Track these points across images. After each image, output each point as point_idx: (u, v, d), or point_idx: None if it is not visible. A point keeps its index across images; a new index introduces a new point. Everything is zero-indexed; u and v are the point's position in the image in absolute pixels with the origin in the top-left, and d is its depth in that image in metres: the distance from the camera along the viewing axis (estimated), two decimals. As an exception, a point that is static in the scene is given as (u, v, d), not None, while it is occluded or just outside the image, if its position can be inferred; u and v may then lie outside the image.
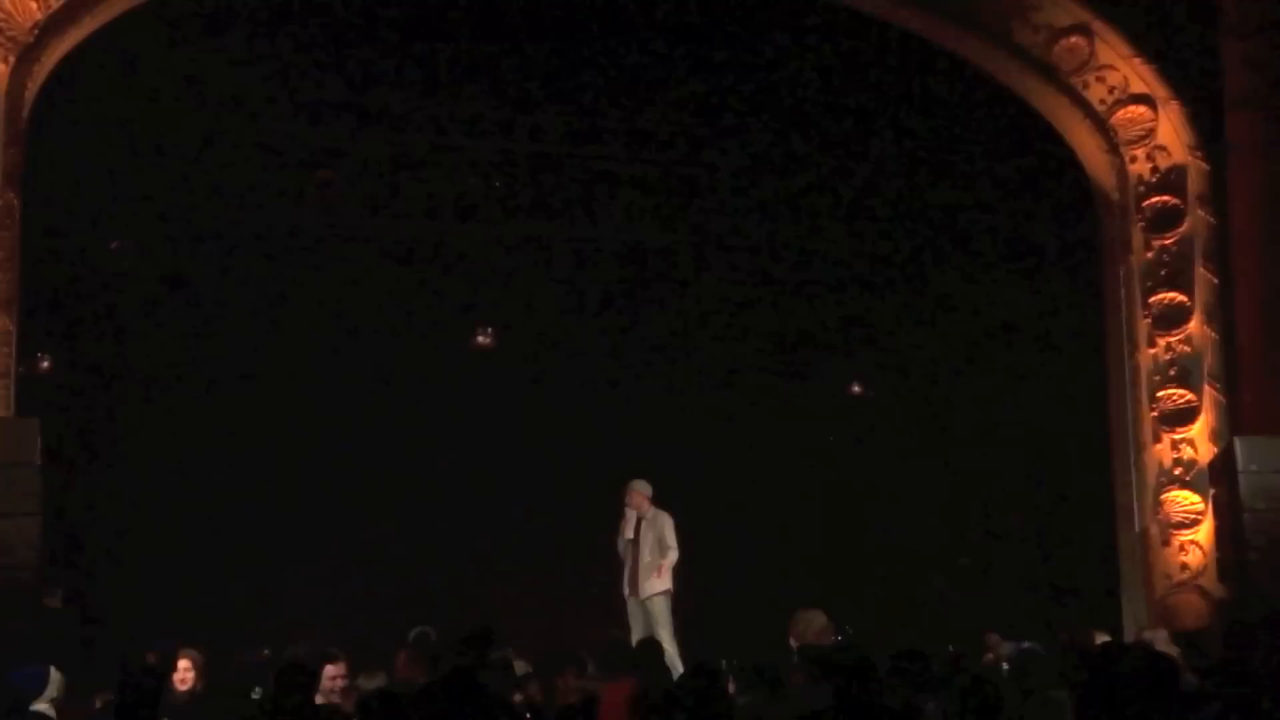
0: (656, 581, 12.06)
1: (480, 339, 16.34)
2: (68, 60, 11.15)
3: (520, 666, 9.96)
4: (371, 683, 9.54)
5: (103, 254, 14.10)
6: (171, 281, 14.68)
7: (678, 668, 11.30)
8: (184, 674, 10.52)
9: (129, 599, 13.85)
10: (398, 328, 15.78)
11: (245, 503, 15.25)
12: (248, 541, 15.17)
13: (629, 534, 12.25)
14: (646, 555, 12.12)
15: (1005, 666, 9.24)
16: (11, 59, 10.60)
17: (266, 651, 11.22)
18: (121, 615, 13.14)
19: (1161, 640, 9.45)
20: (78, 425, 13.91)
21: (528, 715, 8.46)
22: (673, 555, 12.06)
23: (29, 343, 11.35)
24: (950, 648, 10.58)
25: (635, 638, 11.62)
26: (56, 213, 12.47)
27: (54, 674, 7.99)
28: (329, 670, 9.28)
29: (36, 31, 10.69)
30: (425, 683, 7.05)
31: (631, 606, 12.23)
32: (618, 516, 12.41)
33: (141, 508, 14.84)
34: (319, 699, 8.34)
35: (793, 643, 9.16)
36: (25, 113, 10.79)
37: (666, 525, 12.24)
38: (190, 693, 10.30)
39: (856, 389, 18.43)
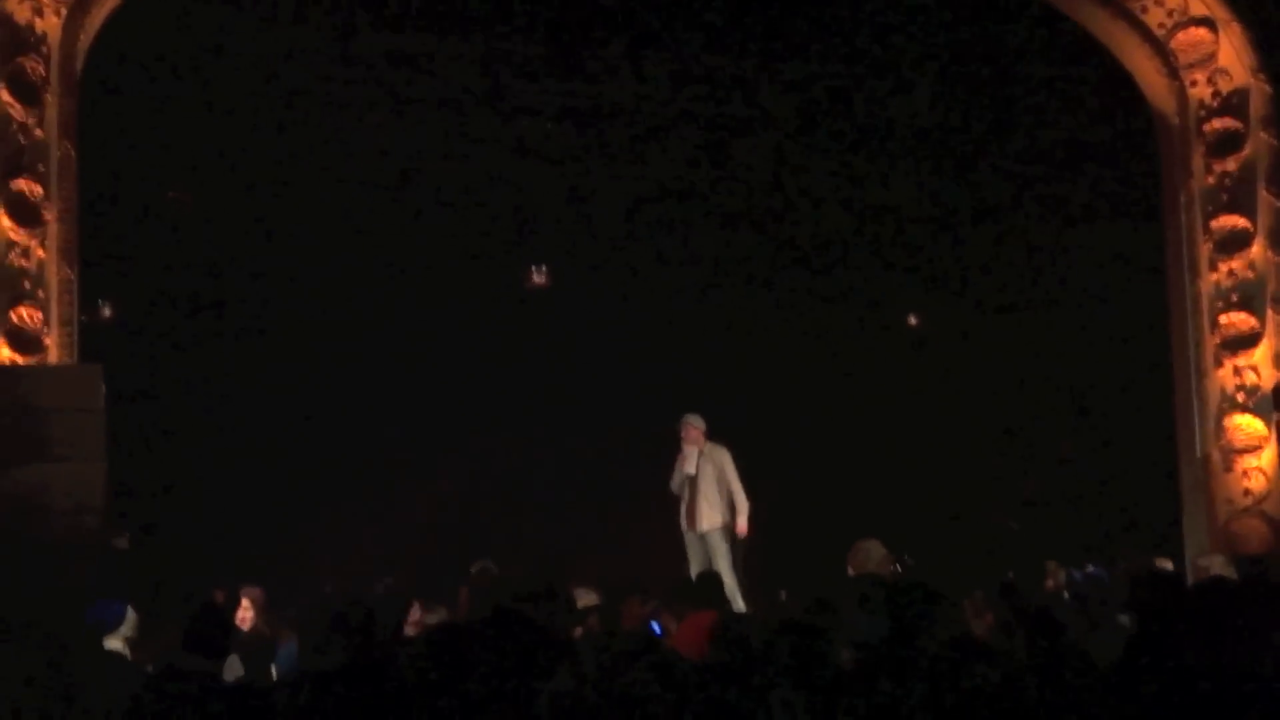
0: (715, 515, 12.11)
1: (536, 277, 16.39)
2: (121, 10, 11.20)
3: (589, 598, 9.99)
4: (433, 618, 9.66)
5: (160, 204, 14.20)
6: (229, 226, 14.77)
7: (738, 601, 11.42)
8: (244, 613, 10.73)
9: (195, 539, 14.05)
10: (456, 264, 15.84)
11: (307, 441, 15.41)
12: (310, 480, 15.34)
13: (689, 469, 12.27)
14: (705, 489, 12.16)
15: (1066, 594, 9.23)
16: (64, 10, 10.68)
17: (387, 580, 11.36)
18: (187, 556, 13.32)
19: (1218, 565, 9.38)
20: (141, 371, 14.06)
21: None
22: (745, 503, 12.08)
23: (90, 291, 11.47)
24: (1010, 574, 10.58)
25: (693, 571, 11.72)
26: (112, 163, 12.56)
27: (130, 612, 8.16)
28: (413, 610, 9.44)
29: (88, -17, 10.78)
30: (478, 619, 7.10)
31: (690, 540, 12.28)
32: (674, 449, 12.43)
33: (204, 449, 15.03)
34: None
35: (851, 573, 9.17)
36: (79, 64, 10.89)
37: (726, 461, 12.28)
38: (252, 631, 10.49)
39: (913, 320, 18.34)
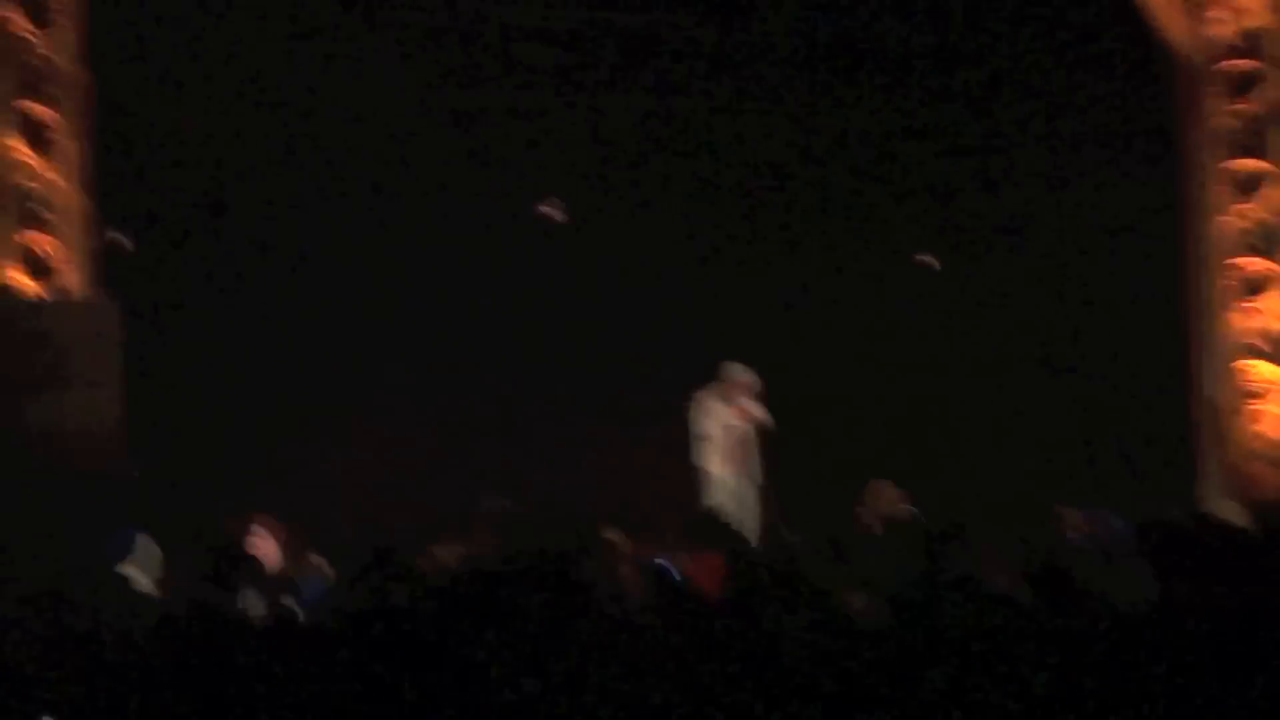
0: None
1: (549, 208, 16.31)
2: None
3: (621, 541, 9.98)
4: (447, 552, 9.70)
5: (178, 131, 14.12)
6: (245, 156, 14.69)
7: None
8: (262, 542, 10.77)
9: (212, 469, 14.07)
10: (467, 196, 15.78)
11: (326, 376, 15.39)
12: (329, 413, 15.34)
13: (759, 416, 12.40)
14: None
15: (1081, 541, 9.27)
16: (78, -68, 10.58)
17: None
18: (204, 485, 13.36)
19: (1230, 512, 9.46)
20: (158, 300, 14.04)
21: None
22: None
23: (109, 220, 11.44)
24: (1022, 522, 10.61)
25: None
26: (130, 92, 12.47)
27: (154, 550, 8.20)
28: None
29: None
30: (508, 559, 7.13)
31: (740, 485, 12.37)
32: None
33: (220, 379, 15.01)
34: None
35: (862, 515, 9.25)
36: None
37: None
38: (270, 562, 10.52)
39: (924, 258, 18.26)
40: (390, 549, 7.19)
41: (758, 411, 12.33)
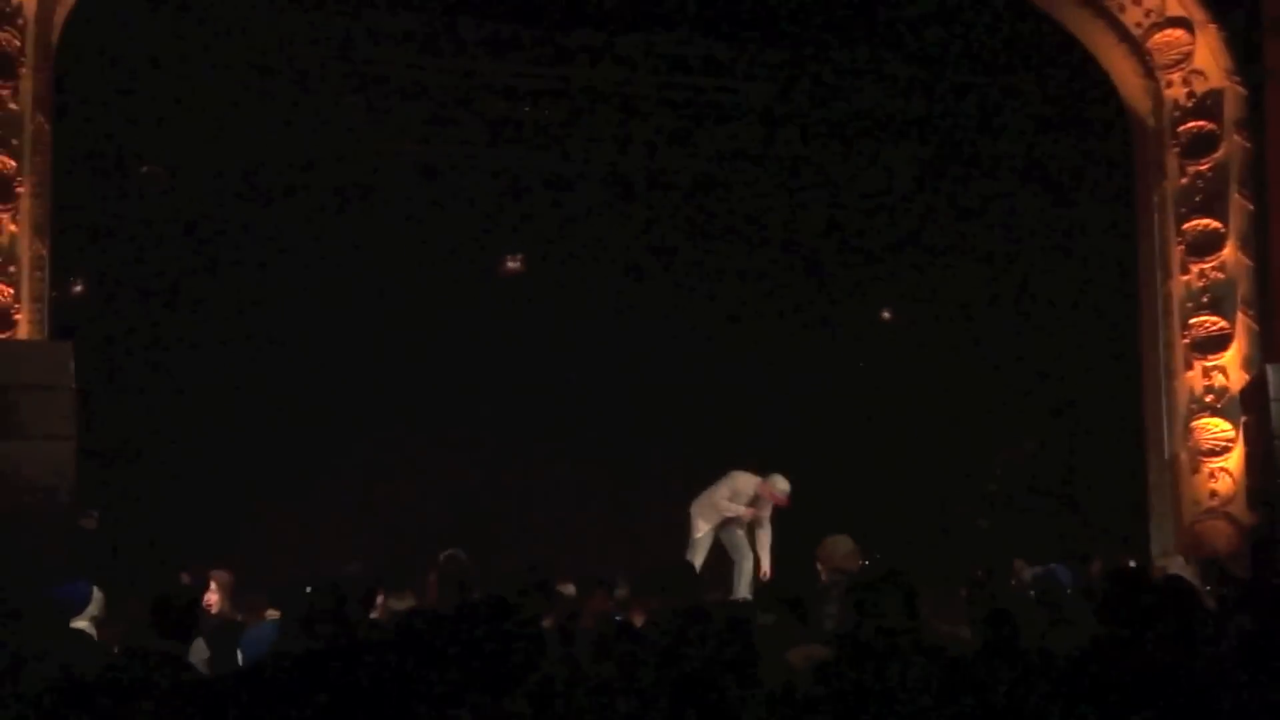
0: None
1: (510, 264, 16.35)
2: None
3: (565, 589, 10.01)
4: (401, 604, 9.62)
5: (134, 179, 14.11)
6: (200, 205, 14.69)
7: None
8: (211, 595, 10.67)
9: (163, 521, 13.98)
10: (425, 251, 15.80)
11: (279, 425, 15.35)
12: (279, 464, 15.28)
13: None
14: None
15: (1031, 592, 9.27)
16: (41, -18, 10.59)
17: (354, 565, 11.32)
18: (155, 537, 13.27)
19: (1177, 566, 9.48)
20: (111, 348, 13.99)
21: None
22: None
23: (62, 267, 11.40)
24: (977, 572, 10.63)
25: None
26: (87, 138, 12.47)
27: (95, 592, 8.11)
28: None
29: (65, -46, 10.69)
30: (459, 605, 7.09)
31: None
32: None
33: (173, 430, 14.95)
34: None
35: (820, 568, 9.21)
36: (55, 37, 10.80)
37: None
38: (219, 614, 10.44)
39: (886, 315, 18.38)
40: (341, 598, 7.13)
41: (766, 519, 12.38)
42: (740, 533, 12.42)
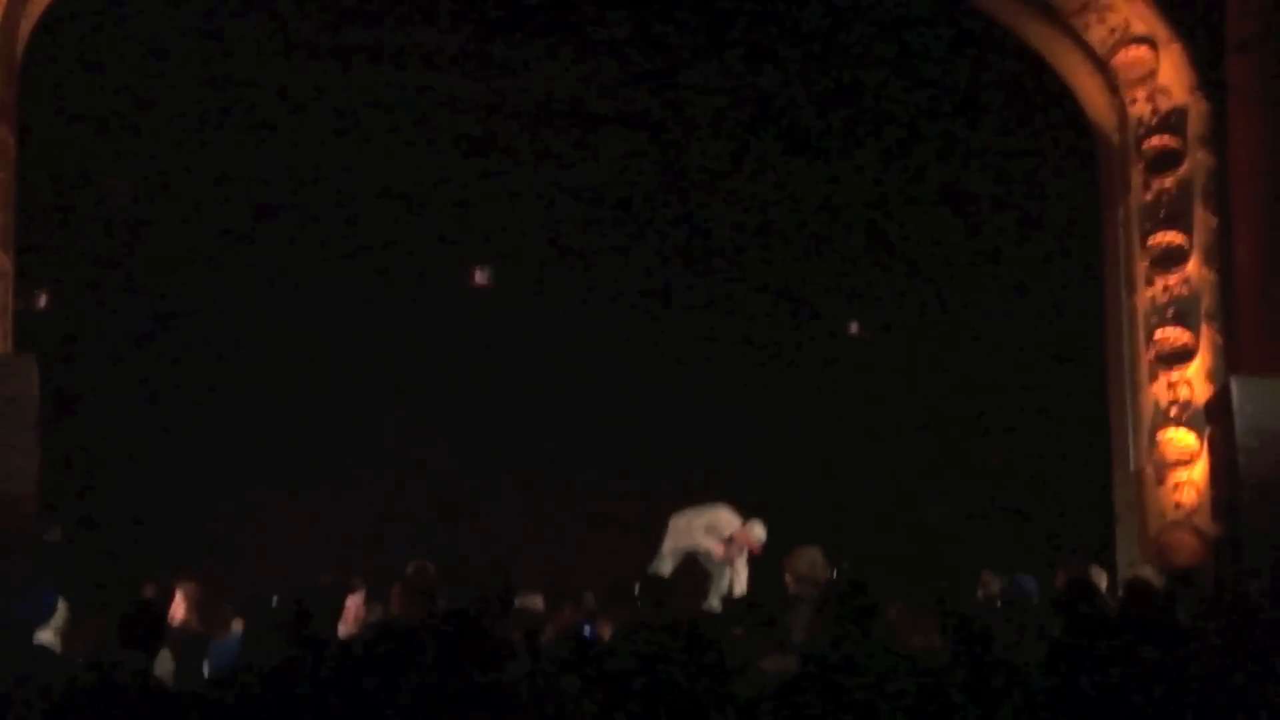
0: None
1: (479, 277, 16.34)
2: (64, -5, 11.06)
3: (534, 601, 10.01)
4: (369, 616, 9.61)
5: (99, 191, 14.04)
6: (168, 218, 14.63)
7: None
8: (177, 607, 10.64)
9: (127, 533, 13.90)
10: (394, 264, 15.77)
11: (242, 436, 15.29)
12: (245, 474, 15.22)
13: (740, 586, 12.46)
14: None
15: (999, 603, 9.30)
16: (5, -5, 10.52)
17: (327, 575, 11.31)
18: (119, 549, 13.19)
19: (1148, 577, 9.51)
20: (76, 361, 13.91)
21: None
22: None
23: (26, 280, 11.33)
24: (943, 584, 10.65)
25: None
26: (53, 150, 12.40)
27: (60, 604, 8.05)
28: (351, 600, 9.39)
29: (30, -34, 10.62)
30: (425, 619, 7.09)
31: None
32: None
33: (140, 442, 14.87)
34: (342, 629, 8.43)
35: (788, 579, 9.21)
36: (20, 49, 10.73)
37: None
38: (184, 625, 10.40)
39: (854, 329, 18.44)
40: (305, 610, 7.09)
41: (739, 562, 12.35)
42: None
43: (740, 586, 12.46)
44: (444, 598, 8.62)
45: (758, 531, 12.47)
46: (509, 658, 6.85)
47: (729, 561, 12.51)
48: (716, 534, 12.49)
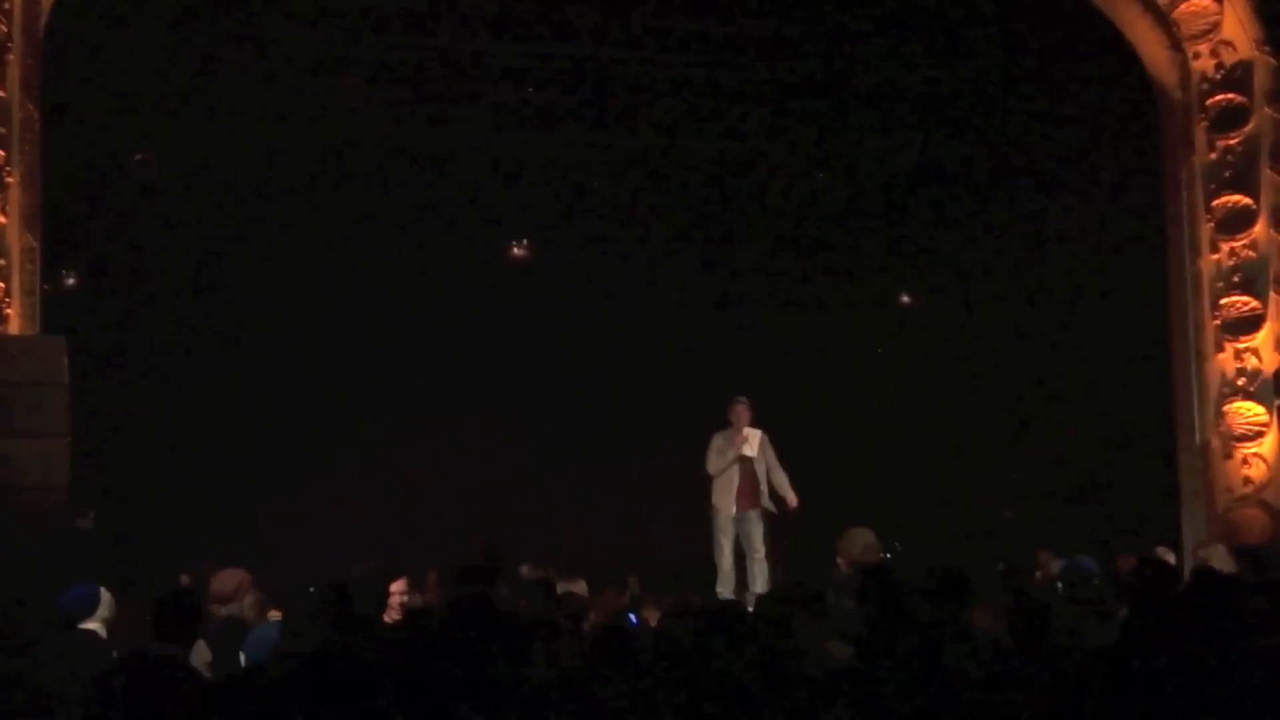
0: (764, 497, 12.33)
1: (516, 250, 16.07)
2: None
3: (578, 586, 9.79)
4: (411, 600, 9.40)
5: (127, 168, 13.82)
6: (197, 195, 14.41)
7: (760, 582, 11.93)
8: (235, 592, 10.42)
9: (161, 519, 13.75)
10: (429, 241, 15.51)
11: (276, 422, 15.11)
12: (279, 460, 15.05)
13: (748, 450, 12.36)
14: (760, 470, 12.35)
15: (1059, 585, 8.95)
16: (27, -34, 10.31)
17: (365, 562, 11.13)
18: (153, 535, 13.04)
19: (1218, 556, 9.12)
20: (105, 342, 13.73)
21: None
22: (786, 477, 12.42)
23: (54, 260, 11.14)
24: (1001, 565, 10.33)
25: (726, 553, 12.11)
26: (78, 126, 12.18)
27: (104, 594, 7.94)
28: (394, 586, 9.21)
29: (52, -63, 10.40)
30: (449, 604, 6.89)
31: (732, 522, 12.33)
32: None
33: (171, 426, 14.72)
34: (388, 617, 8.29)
35: (840, 562, 8.95)
36: (43, 22, 10.52)
37: (768, 442, 12.51)
38: (233, 613, 10.19)
39: (906, 299, 18.06)
40: (347, 593, 6.92)
41: (751, 442, 12.15)
42: (758, 530, 12.21)
43: (751, 450, 12.35)
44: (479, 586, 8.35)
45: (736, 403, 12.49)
46: (528, 650, 6.63)
47: (744, 449, 12.36)
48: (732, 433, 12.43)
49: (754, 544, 12.13)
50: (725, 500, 12.35)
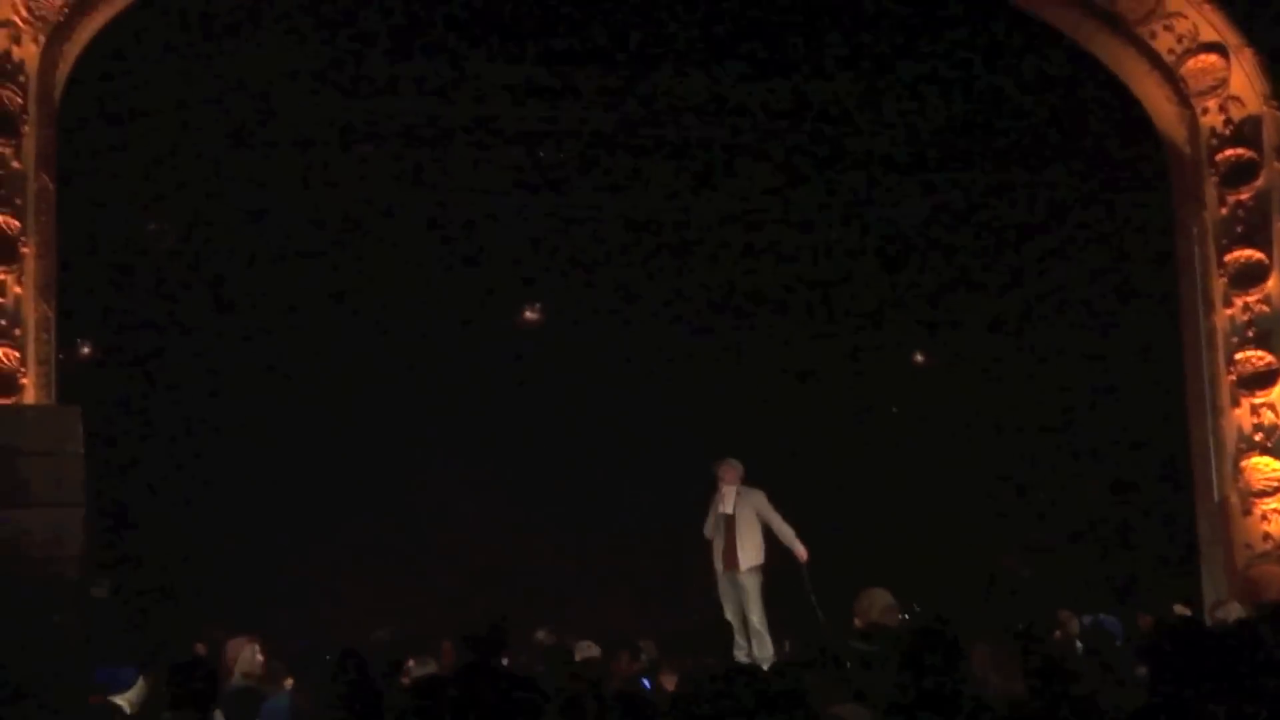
0: (753, 555, 12.20)
1: (529, 314, 16.08)
2: (99, 39, 10.89)
3: (590, 650, 9.74)
4: (422, 670, 9.34)
5: (141, 237, 13.89)
6: (211, 264, 14.46)
7: (766, 643, 11.80)
8: (245, 659, 10.38)
9: (176, 587, 13.71)
10: (441, 306, 15.52)
11: (290, 488, 15.08)
12: (294, 528, 15.01)
13: (726, 509, 12.33)
14: (743, 529, 12.24)
15: (1079, 644, 8.87)
16: (42, 38, 10.41)
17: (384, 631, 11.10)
18: (168, 604, 13.00)
19: (1235, 614, 9.02)
20: (120, 413, 13.73)
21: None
22: (791, 530, 12.31)
23: (69, 329, 11.17)
24: (1019, 625, 10.21)
25: (729, 613, 11.94)
26: (93, 196, 12.25)
27: (138, 679, 8.16)
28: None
29: (66, 10, 10.49)
30: (455, 671, 6.86)
31: (725, 582, 12.29)
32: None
33: (186, 495, 14.70)
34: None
35: (857, 622, 8.88)
36: (57, 94, 10.60)
37: (763, 500, 12.41)
38: (247, 679, 10.15)
39: (919, 358, 18.01)
40: (362, 666, 6.90)
41: (727, 500, 12.21)
42: (745, 591, 12.12)
43: (727, 508, 12.28)
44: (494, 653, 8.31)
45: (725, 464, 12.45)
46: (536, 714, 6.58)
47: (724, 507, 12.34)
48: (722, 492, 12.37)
49: (748, 607, 12.03)
50: (716, 560, 12.37)
